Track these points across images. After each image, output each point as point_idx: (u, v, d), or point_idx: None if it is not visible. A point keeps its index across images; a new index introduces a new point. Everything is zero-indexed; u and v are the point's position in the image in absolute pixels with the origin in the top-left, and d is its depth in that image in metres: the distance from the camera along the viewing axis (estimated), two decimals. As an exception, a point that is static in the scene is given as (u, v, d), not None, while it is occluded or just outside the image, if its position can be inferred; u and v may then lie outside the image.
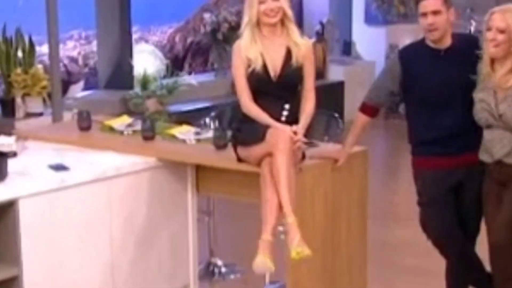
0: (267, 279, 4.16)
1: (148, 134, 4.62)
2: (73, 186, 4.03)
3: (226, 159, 4.25)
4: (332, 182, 4.17)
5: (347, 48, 10.64)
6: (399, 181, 7.50)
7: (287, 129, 3.89)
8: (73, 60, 8.43)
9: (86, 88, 7.99)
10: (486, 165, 4.12)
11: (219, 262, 5.31)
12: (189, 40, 10.06)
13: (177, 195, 4.53)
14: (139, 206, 4.35)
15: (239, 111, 4.14)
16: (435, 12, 4.11)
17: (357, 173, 4.31)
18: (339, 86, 9.82)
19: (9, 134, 4.62)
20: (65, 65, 8.01)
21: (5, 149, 4.22)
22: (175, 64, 8.78)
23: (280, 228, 3.92)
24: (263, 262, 3.76)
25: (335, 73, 10.02)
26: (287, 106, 4.04)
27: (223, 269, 5.31)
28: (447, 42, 4.19)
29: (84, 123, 4.85)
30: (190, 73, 8.96)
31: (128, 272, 4.31)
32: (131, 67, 7.86)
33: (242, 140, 4.04)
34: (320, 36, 10.03)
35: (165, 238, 4.50)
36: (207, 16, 8.75)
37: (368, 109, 4.33)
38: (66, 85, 7.36)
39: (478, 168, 4.15)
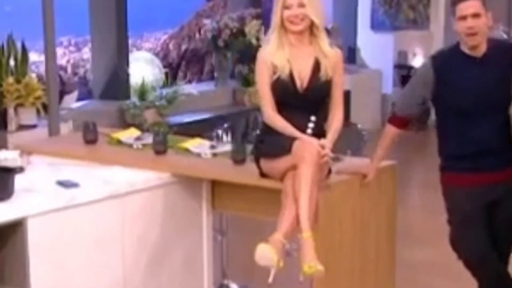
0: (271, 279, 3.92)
1: (160, 148, 4.59)
2: (84, 204, 3.99)
3: (245, 174, 4.22)
4: (360, 199, 4.16)
5: (352, 55, 10.64)
6: (425, 197, 7.45)
7: (315, 142, 3.87)
8: (62, 68, 8.38)
9: (77, 98, 7.92)
10: None
11: (233, 286, 5.26)
12: (183, 47, 10.05)
13: (192, 212, 4.50)
14: (152, 224, 4.32)
15: (261, 122, 4.11)
16: (475, 15, 4.06)
17: (385, 189, 4.30)
18: (344, 96, 9.75)
19: (1, 147, 4.57)
20: (59, 74, 7.95)
21: (9, 164, 4.17)
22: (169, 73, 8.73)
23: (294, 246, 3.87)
24: (268, 249, 3.65)
25: (340, 82, 9.98)
26: (313, 118, 4.02)
27: (236, 292, 5.27)
28: (483, 48, 4.15)
29: (90, 135, 4.81)
30: (190, 82, 8.93)
31: (140, 293, 4.28)
32: (127, 76, 7.80)
33: (266, 152, 4.01)
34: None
35: (178, 258, 4.47)
36: (207, 22, 8.71)
37: (398, 120, 4.31)
38: (60, 95, 7.30)
39: None
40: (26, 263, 3.79)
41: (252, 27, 8.45)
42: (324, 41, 4.05)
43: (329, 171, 4.04)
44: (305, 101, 4.01)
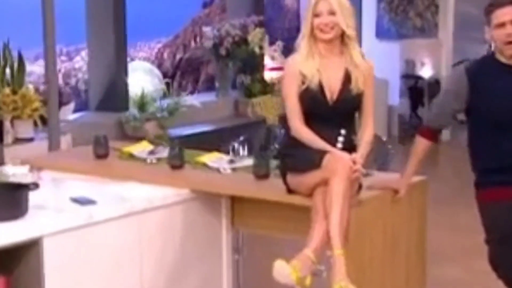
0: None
1: (176, 163, 4.57)
2: (102, 222, 3.97)
3: (269, 190, 4.21)
4: (391, 215, 4.16)
5: (355, 64, 10.63)
6: (455, 213, 7.41)
7: (347, 156, 3.86)
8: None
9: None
10: None
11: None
12: (178, 56, 10.02)
13: (211, 230, 4.48)
14: (170, 243, 4.30)
15: (285, 135, 4.10)
16: None
17: (416, 205, 4.30)
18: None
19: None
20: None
21: (19, 179, 4.14)
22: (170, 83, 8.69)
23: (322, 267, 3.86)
24: (284, 266, 3.66)
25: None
26: (343, 132, 4.02)
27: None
28: None
29: (102, 150, 4.79)
30: (192, 93, 8.89)
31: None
32: (126, 87, 7.76)
33: (294, 166, 3.99)
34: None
35: (196, 278, 4.45)
36: (206, 29, 8.68)
37: (428, 133, 4.31)
38: (57, 106, 7.26)
39: None
40: (42, 285, 3.75)
41: (255, 35, 8.43)
42: (356, 51, 4.04)
43: (360, 187, 4.04)
44: (334, 114, 4.00)
